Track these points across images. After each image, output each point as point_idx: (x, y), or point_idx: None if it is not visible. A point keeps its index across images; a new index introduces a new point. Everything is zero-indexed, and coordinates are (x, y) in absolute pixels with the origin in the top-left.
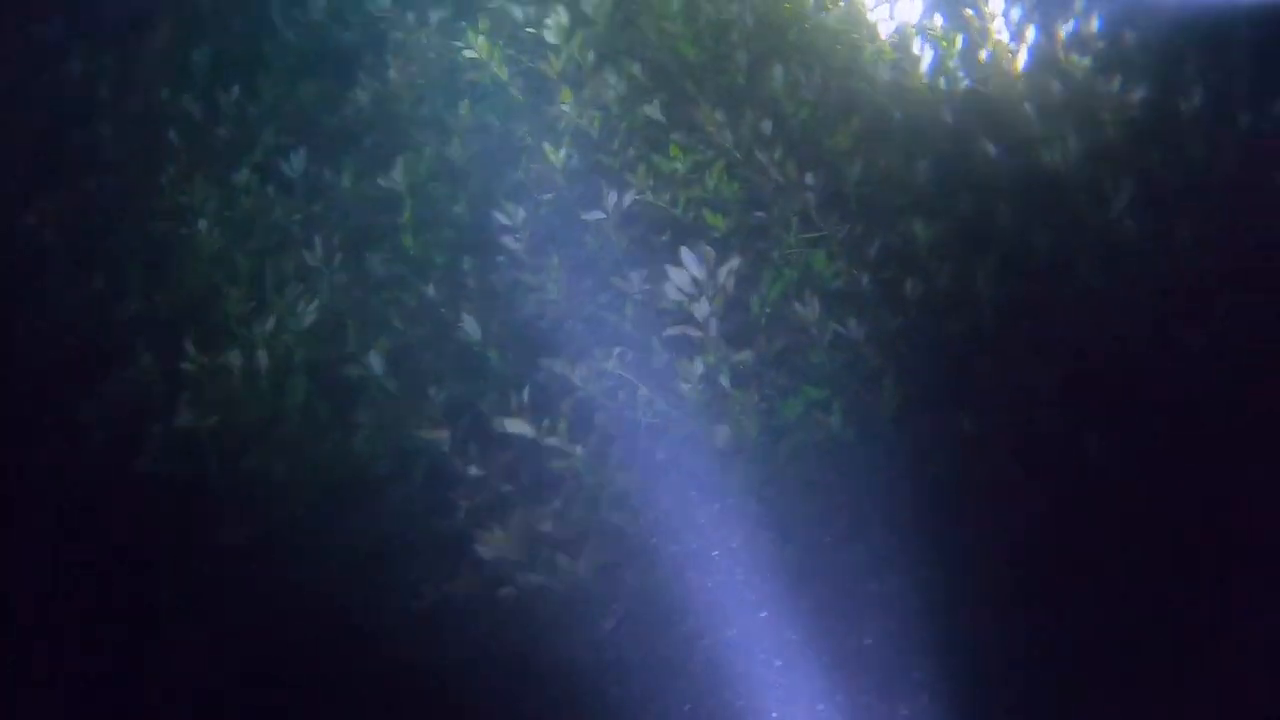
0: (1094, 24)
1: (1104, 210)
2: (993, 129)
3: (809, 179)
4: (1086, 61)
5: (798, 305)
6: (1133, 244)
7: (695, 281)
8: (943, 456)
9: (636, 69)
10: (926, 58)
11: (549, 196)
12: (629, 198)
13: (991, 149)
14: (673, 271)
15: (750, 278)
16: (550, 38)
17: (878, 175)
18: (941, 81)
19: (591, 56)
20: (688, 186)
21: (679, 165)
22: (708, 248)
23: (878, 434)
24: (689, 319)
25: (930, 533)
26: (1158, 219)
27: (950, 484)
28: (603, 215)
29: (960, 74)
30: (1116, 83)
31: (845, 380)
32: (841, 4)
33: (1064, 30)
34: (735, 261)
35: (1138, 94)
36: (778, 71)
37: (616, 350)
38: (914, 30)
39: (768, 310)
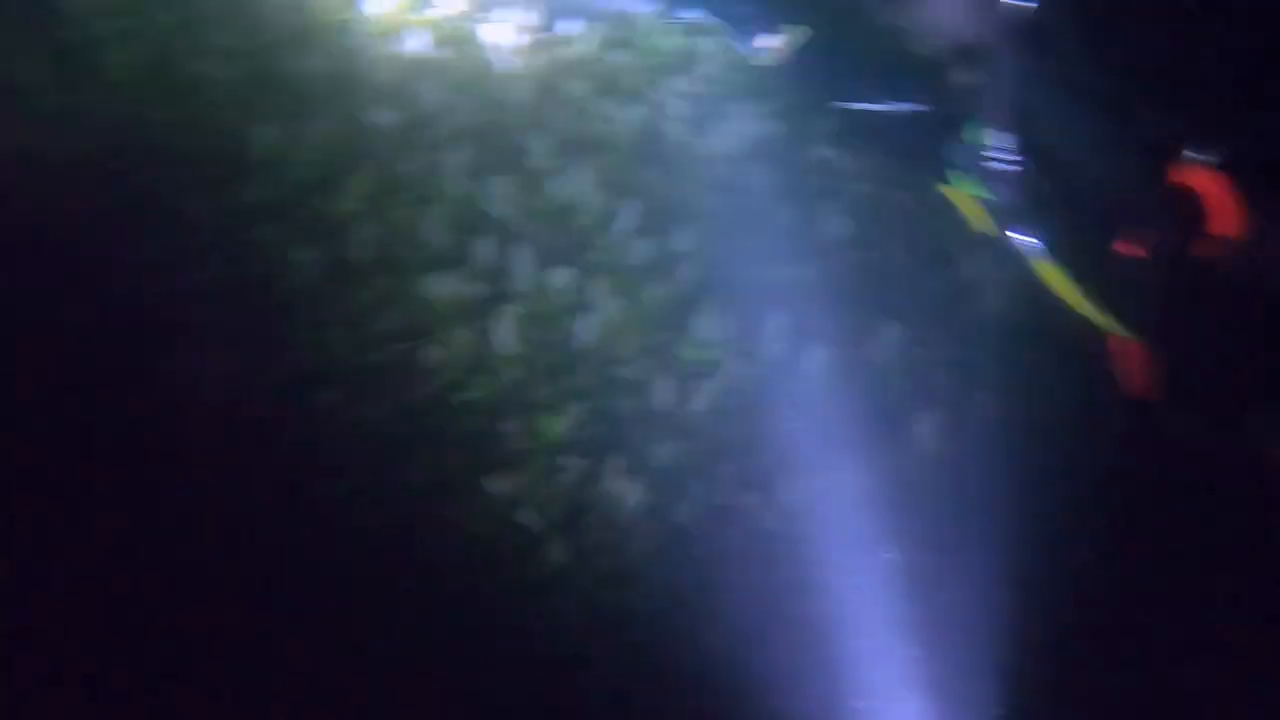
0: (591, 49)
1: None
2: (506, 165)
3: (309, 252)
4: (588, 86)
5: (315, 393)
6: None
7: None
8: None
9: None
10: (435, 97)
11: None
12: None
13: (504, 186)
14: None
15: (254, 373)
16: None
17: (390, 234)
18: (451, 120)
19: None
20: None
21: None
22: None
23: (415, 518)
24: None
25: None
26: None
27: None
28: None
29: (469, 110)
30: (613, 106)
31: (372, 467)
32: (342, 45)
33: (566, 58)
34: (232, 360)
35: (633, 115)
36: (268, 131)
37: None
38: (421, 68)
39: (281, 405)
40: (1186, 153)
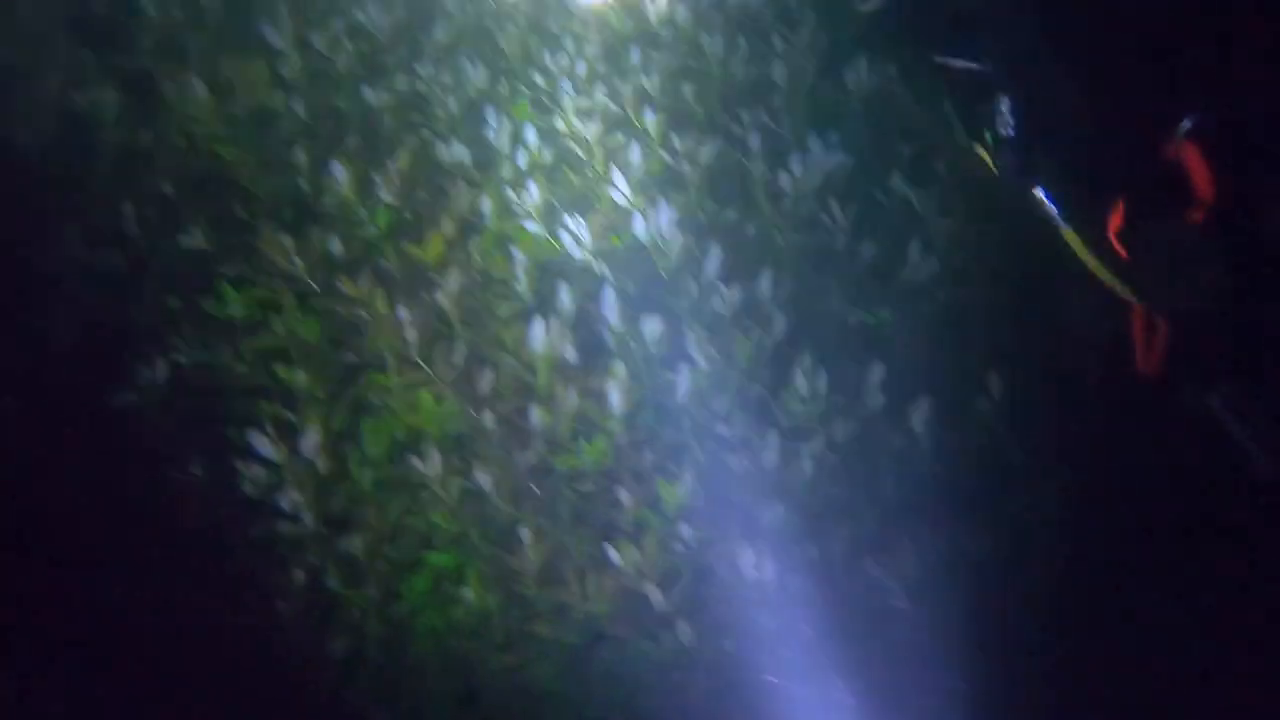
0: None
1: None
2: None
3: (402, 307)
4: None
5: (414, 460)
6: None
7: (275, 465)
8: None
9: (164, 187)
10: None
11: (49, 380)
12: (169, 365)
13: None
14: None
15: (345, 439)
16: None
17: (482, 286)
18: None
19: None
20: (252, 336)
21: (236, 310)
22: (284, 413)
23: (530, 599)
24: (276, 512)
25: None
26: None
27: None
28: (133, 395)
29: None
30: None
31: (478, 541)
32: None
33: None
34: (320, 428)
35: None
36: (344, 173)
37: None
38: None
39: (374, 474)
40: (1183, 124)
